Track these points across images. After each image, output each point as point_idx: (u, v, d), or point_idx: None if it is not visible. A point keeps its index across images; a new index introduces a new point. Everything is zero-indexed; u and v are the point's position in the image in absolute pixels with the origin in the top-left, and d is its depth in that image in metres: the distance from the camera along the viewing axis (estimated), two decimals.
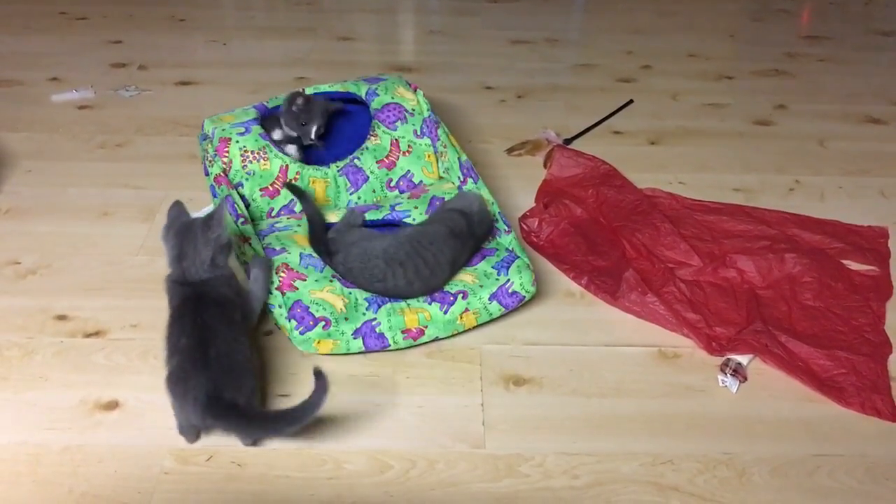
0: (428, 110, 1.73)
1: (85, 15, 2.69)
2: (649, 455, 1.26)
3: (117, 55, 2.44)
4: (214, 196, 1.61)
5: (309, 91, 1.74)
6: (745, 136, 2.12)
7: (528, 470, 1.23)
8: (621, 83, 2.37)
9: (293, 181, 1.60)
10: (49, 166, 1.91)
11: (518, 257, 1.50)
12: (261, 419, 1.22)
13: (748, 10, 2.98)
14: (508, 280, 1.45)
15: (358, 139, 1.70)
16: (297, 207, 1.61)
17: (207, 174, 1.63)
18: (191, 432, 1.26)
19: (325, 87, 1.76)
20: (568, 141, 2.04)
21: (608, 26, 2.78)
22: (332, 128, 1.71)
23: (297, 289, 1.38)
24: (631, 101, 2.25)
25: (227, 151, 1.59)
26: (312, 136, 1.64)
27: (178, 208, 1.34)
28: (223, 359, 1.19)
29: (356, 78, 1.81)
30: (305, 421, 1.16)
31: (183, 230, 1.30)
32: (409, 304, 1.41)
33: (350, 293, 1.41)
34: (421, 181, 1.71)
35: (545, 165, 1.91)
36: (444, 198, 1.62)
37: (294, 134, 1.65)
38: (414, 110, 1.73)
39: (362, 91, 1.75)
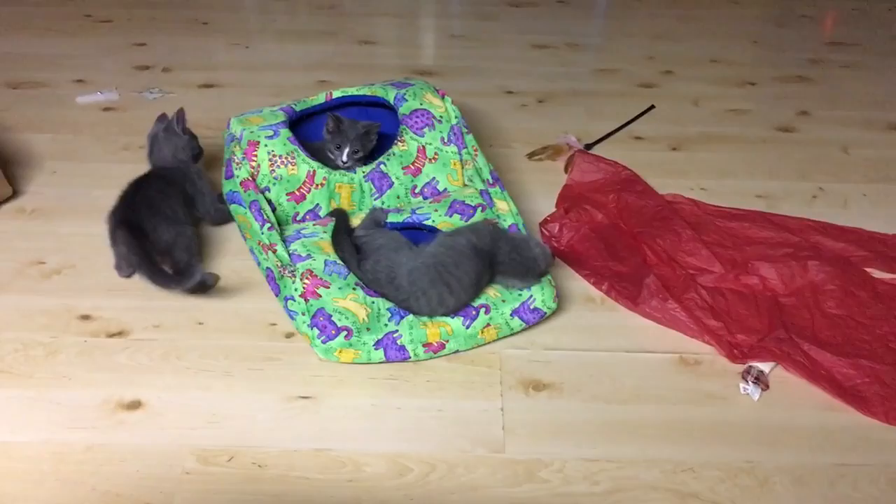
0: (456, 117, 1.72)
1: (110, 18, 2.71)
2: (670, 462, 1.25)
3: (141, 58, 2.46)
4: (234, 202, 1.60)
5: (336, 94, 1.75)
6: (767, 142, 2.11)
7: (547, 475, 1.23)
8: (642, 88, 2.37)
9: (320, 186, 1.61)
10: (73, 167, 1.93)
11: None
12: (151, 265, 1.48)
13: (771, 15, 2.96)
14: (531, 296, 1.45)
15: (385, 144, 1.70)
16: (323, 212, 1.62)
17: (230, 176, 1.61)
18: (122, 266, 1.57)
19: (352, 91, 1.76)
20: (589, 146, 2.04)
21: (629, 31, 2.77)
22: (377, 146, 1.71)
23: (321, 296, 1.39)
24: (652, 107, 2.24)
25: (256, 155, 1.59)
26: (344, 159, 1.65)
27: (162, 120, 1.73)
28: (148, 202, 1.55)
29: (382, 82, 1.82)
30: (185, 285, 1.47)
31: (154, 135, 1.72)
32: (431, 318, 1.41)
33: (373, 302, 1.40)
34: (445, 188, 1.71)
35: (566, 170, 1.91)
36: (464, 201, 1.62)
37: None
38: (442, 117, 1.72)
39: (390, 96, 1.75)
